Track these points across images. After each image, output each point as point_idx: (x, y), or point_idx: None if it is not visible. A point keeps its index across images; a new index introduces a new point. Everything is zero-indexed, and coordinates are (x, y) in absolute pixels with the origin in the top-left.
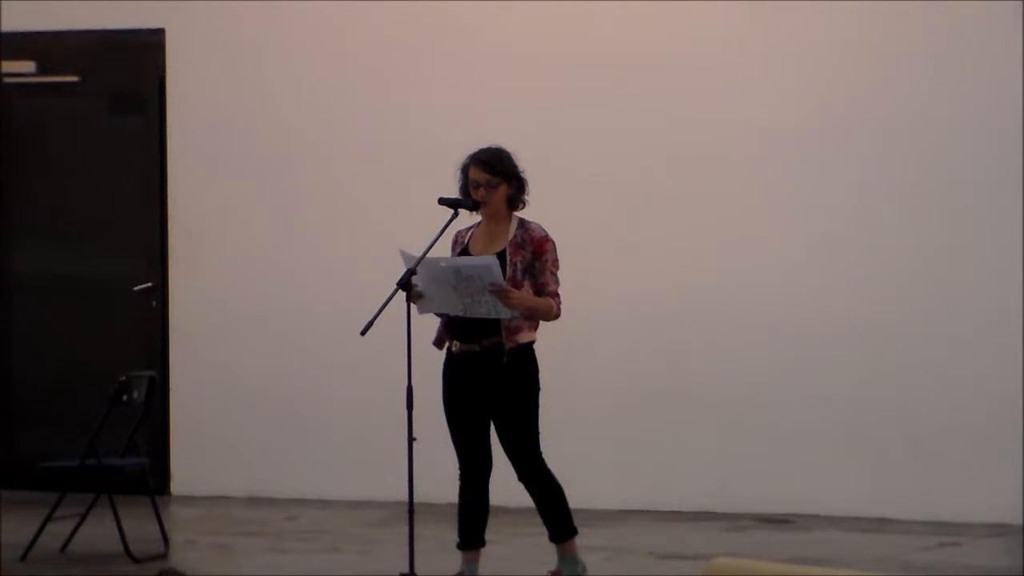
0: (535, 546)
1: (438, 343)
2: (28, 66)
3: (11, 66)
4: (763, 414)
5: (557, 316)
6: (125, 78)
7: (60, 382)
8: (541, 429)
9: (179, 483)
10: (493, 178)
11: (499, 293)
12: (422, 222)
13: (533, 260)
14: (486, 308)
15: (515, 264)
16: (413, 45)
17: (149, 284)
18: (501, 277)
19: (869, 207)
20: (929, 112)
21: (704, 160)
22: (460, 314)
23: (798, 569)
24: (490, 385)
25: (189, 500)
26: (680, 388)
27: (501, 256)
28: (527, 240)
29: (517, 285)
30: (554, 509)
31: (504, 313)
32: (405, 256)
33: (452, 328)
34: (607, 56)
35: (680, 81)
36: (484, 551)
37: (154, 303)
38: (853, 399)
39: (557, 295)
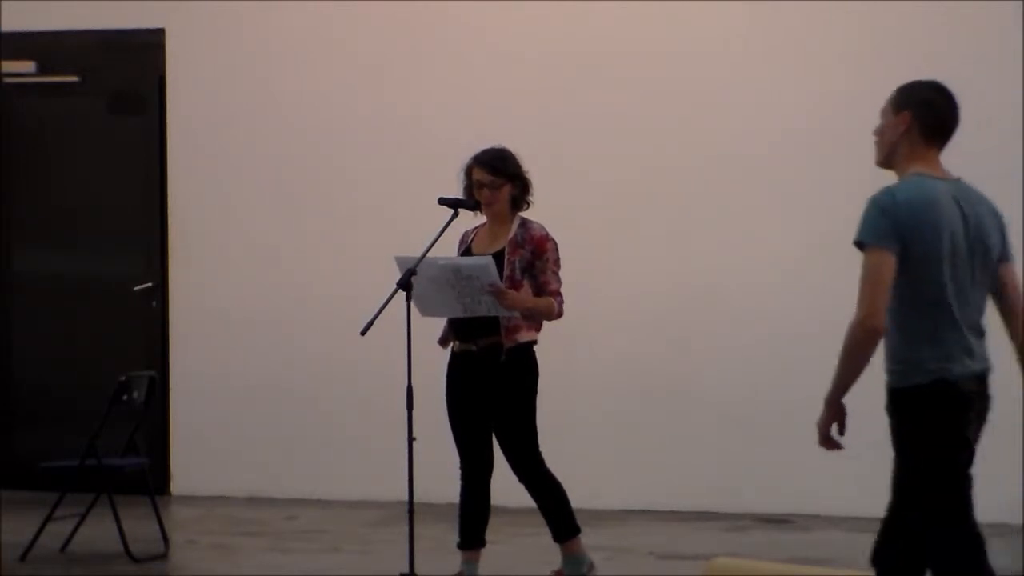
0: (536, 546)
1: (443, 342)
2: (28, 66)
3: (11, 66)
4: (763, 414)
5: (559, 316)
6: (125, 78)
7: (60, 382)
8: (541, 429)
9: (179, 483)
10: (497, 179)
11: (495, 293)
12: (422, 222)
13: (533, 259)
14: (486, 308)
15: (513, 263)
16: (413, 45)
17: (149, 284)
18: (498, 277)
19: None
20: None
21: (704, 160)
22: (461, 315)
23: (798, 569)
24: (487, 385)
25: (189, 500)
26: (680, 388)
27: (500, 255)
28: (527, 239)
29: (515, 284)
30: (555, 509)
31: (504, 312)
32: (400, 261)
33: (454, 326)
34: (607, 56)
35: (680, 81)
36: (484, 551)
37: (154, 303)
38: (853, 399)
39: (559, 294)
